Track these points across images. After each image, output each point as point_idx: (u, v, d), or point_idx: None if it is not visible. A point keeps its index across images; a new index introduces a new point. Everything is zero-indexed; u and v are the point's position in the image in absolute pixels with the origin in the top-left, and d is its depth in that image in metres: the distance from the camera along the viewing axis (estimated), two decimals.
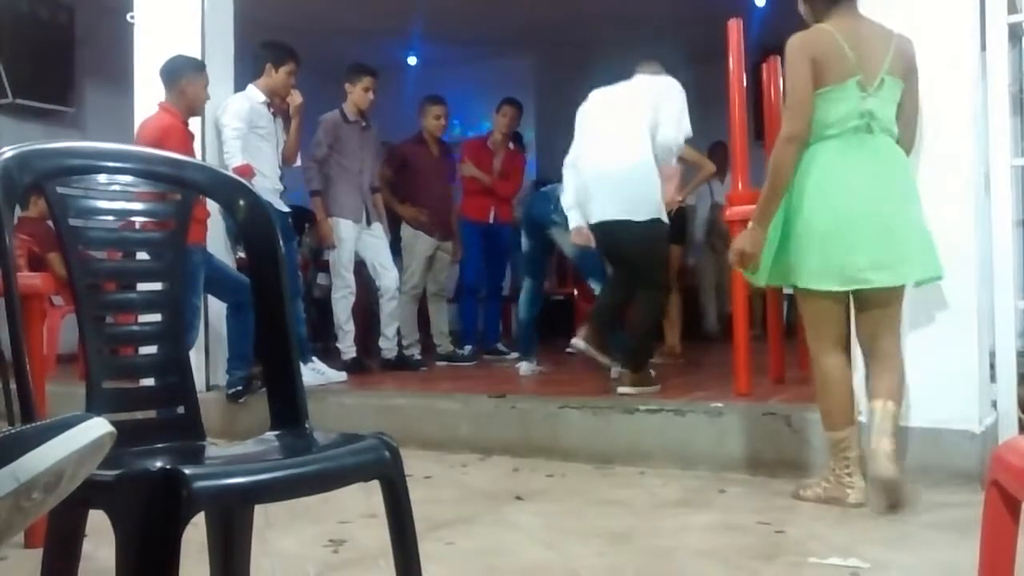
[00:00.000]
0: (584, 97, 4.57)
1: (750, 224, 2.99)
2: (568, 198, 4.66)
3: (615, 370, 4.53)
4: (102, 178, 1.63)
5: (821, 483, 3.04)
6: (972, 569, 1.36)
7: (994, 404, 3.38)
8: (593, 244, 4.58)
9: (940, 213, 3.21)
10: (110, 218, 1.70)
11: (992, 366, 3.40)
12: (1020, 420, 3.38)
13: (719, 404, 3.80)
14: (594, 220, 4.38)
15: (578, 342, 4.43)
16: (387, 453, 1.50)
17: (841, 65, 2.89)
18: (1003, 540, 1.30)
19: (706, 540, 2.68)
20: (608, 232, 4.34)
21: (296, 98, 5.06)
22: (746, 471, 3.50)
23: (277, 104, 5.08)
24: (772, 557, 2.51)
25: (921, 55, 3.11)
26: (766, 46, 4.82)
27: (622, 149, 4.25)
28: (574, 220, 4.62)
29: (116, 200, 1.67)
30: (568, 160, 4.66)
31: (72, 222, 1.59)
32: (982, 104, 3.38)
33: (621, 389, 4.25)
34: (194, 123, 4.84)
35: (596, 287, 5.19)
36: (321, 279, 7.08)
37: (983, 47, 3.40)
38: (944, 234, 3.14)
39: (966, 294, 3.26)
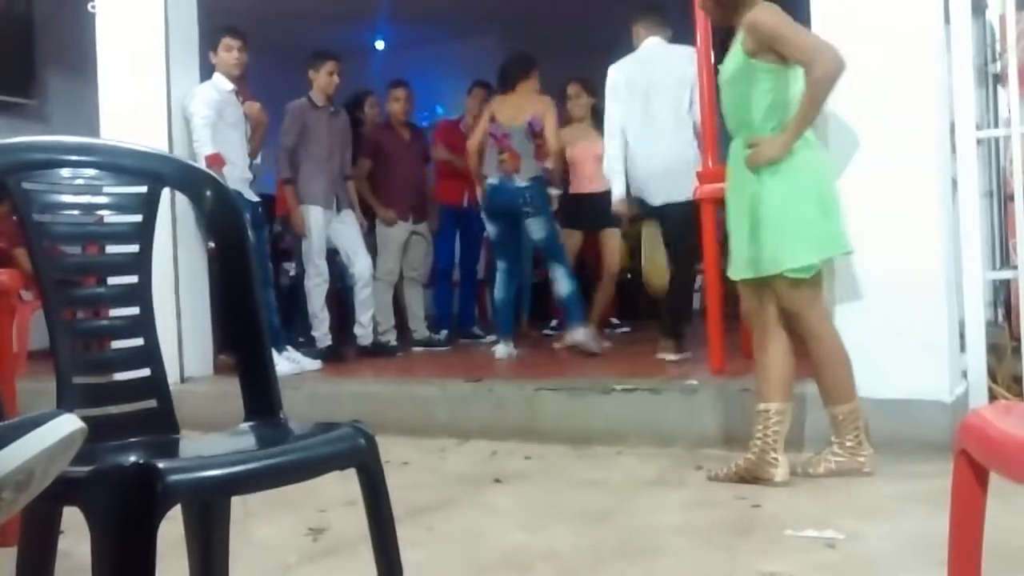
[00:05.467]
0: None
1: (786, 137, 2.90)
2: (616, 164, 4.78)
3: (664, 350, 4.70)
4: (66, 172, 1.61)
5: (830, 458, 3.03)
6: (944, 538, 1.38)
7: (964, 374, 3.43)
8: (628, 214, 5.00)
9: (907, 185, 3.25)
10: (76, 212, 1.67)
11: (962, 336, 3.45)
12: (990, 389, 3.44)
13: (694, 382, 3.83)
14: (657, 203, 4.61)
15: (668, 355, 4.62)
16: (362, 441, 1.50)
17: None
18: (972, 509, 1.33)
19: (683, 517, 2.71)
20: (673, 214, 4.54)
21: (253, 108, 5.08)
22: (722, 447, 3.53)
23: (242, 87, 5.04)
24: (748, 532, 2.54)
25: (886, 28, 3.12)
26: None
27: (674, 133, 4.51)
28: (618, 188, 4.81)
29: (81, 194, 1.65)
30: (613, 127, 4.74)
31: (37, 217, 1.57)
32: (947, 77, 3.41)
33: (669, 357, 4.58)
34: (162, 112, 4.80)
35: (559, 273, 5.19)
36: (287, 267, 7.03)
37: (947, 20, 3.43)
38: (911, 206, 3.17)
39: (934, 265, 3.30)
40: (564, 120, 5.78)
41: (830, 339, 3.02)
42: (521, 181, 5.11)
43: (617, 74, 4.71)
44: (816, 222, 2.96)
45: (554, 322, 6.69)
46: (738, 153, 3.04)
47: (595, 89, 5.63)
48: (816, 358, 3.03)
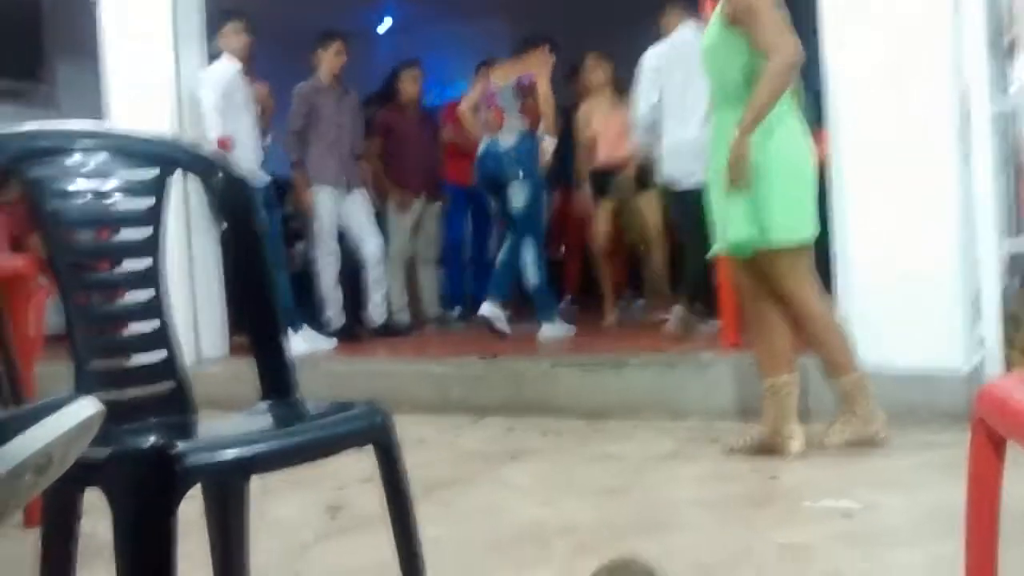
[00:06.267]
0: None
1: (744, 131, 2.85)
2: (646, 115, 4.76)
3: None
4: (76, 158, 1.62)
5: (844, 428, 3.00)
6: (960, 508, 1.38)
7: (981, 343, 3.41)
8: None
9: (921, 156, 3.23)
10: (87, 197, 1.68)
11: (978, 306, 3.43)
12: (1008, 358, 3.42)
13: (709, 355, 3.82)
14: (686, 185, 4.42)
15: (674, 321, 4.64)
16: (379, 419, 1.51)
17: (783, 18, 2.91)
18: (989, 478, 1.32)
19: (699, 490, 2.72)
20: (699, 196, 4.41)
21: (261, 91, 5.09)
22: (737, 420, 3.53)
23: (249, 70, 5.04)
24: (765, 504, 2.55)
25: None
26: None
27: (701, 118, 4.31)
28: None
29: (92, 179, 1.65)
30: (644, 111, 4.73)
31: (48, 203, 1.57)
32: (958, 47, 3.37)
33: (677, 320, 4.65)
34: (170, 96, 4.80)
35: (527, 254, 4.99)
36: (298, 248, 7.04)
37: None
38: (925, 177, 3.15)
39: (949, 235, 3.28)
40: (583, 93, 5.74)
41: (823, 315, 3.01)
42: (506, 143, 4.95)
43: (653, 60, 4.71)
44: (813, 191, 2.95)
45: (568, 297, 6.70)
46: (723, 125, 2.98)
47: (613, 60, 5.54)
48: (812, 335, 3.02)
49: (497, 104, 5.00)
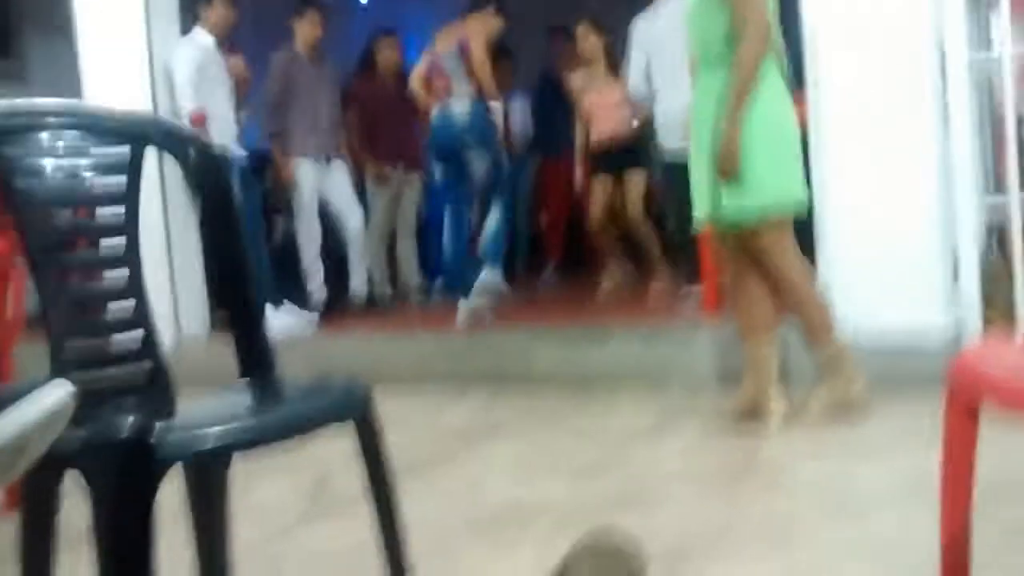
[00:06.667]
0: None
1: (731, 122, 2.85)
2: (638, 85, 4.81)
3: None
4: (47, 135, 1.59)
5: (825, 395, 3.01)
6: (937, 475, 1.40)
7: (961, 304, 3.43)
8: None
9: (898, 113, 3.23)
10: (59, 176, 1.65)
11: (956, 267, 3.44)
12: (987, 316, 3.43)
13: (691, 324, 3.84)
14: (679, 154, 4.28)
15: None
16: (359, 396, 1.51)
17: None
18: (964, 446, 1.34)
19: (682, 463, 2.73)
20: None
21: (237, 64, 5.02)
22: (719, 388, 3.55)
23: (225, 43, 4.98)
24: (746, 475, 2.57)
25: None
26: None
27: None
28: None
29: (64, 157, 1.63)
30: (636, 79, 4.79)
31: (19, 182, 1.55)
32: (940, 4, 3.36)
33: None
34: (144, 71, 4.74)
35: (495, 211, 4.86)
36: (278, 222, 6.99)
37: None
38: (902, 135, 3.15)
39: (928, 195, 3.29)
40: (576, 63, 5.67)
41: (805, 284, 3.02)
42: (459, 111, 4.76)
43: (642, 28, 4.72)
44: (799, 159, 2.96)
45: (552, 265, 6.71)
46: (705, 88, 2.97)
47: (607, 28, 5.40)
48: (794, 304, 3.03)
49: (443, 72, 4.82)
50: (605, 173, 5.41)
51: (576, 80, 5.50)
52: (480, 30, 4.79)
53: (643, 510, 2.33)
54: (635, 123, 5.27)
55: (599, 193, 5.40)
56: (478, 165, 4.81)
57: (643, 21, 4.78)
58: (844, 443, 2.78)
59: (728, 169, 2.87)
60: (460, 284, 4.89)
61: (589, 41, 5.39)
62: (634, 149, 5.26)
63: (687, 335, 3.75)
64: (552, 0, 5.83)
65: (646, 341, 3.79)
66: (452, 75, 4.78)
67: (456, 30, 4.90)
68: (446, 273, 5.11)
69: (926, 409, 2.89)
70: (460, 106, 4.77)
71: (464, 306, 4.71)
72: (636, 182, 5.35)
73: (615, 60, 5.30)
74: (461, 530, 2.30)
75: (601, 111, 5.38)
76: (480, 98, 4.82)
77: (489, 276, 4.81)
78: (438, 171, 5.08)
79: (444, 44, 4.88)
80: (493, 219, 4.88)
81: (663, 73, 4.61)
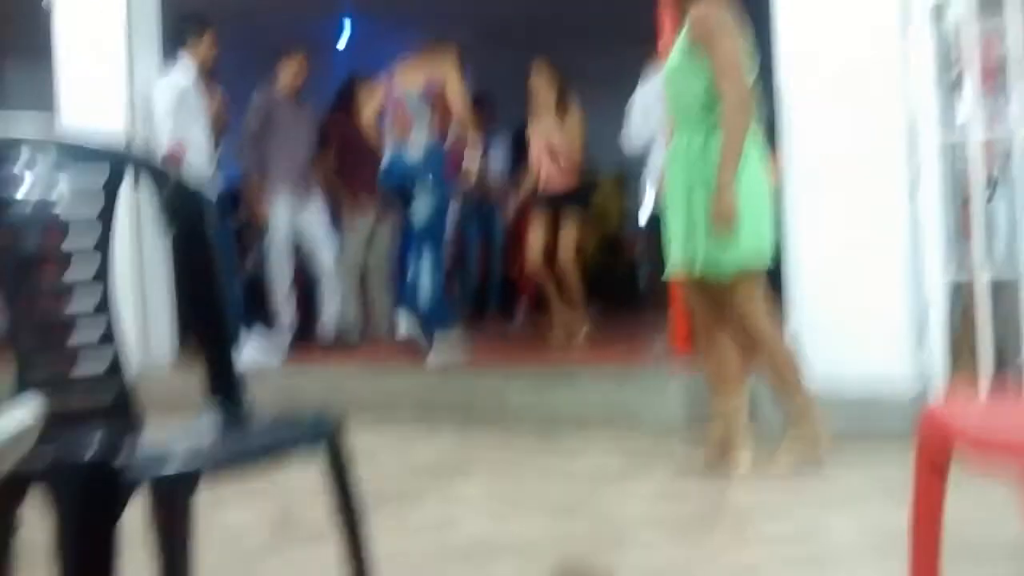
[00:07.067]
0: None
1: (725, 187, 2.85)
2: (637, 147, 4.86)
3: None
4: (23, 160, 1.58)
5: (792, 448, 3.01)
6: (905, 528, 1.40)
7: (926, 367, 3.48)
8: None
9: (868, 187, 3.30)
10: (33, 201, 1.64)
11: (923, 332, 3.49)
12: (950, 380, 3.47)
13: (660, 369, 3.85)
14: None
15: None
16: (329, 429, 1.49)
17: (742, 44, 2.96)
18: (932, 501, 1.35)
19: (649, 508, 2.72)
20: None
21: (214, 100, 5.02)
22: (688, 431, 3.54)
23: (206, 77, 4.99)
24: (714, 524, 2.56)
25: (845, 34, 3.17)
26: None
27: None
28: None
29: (39, 183, 1.61)
30: (635, 115, 4.84)
31: None
32: (905, 83, 3.45)
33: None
34: (123, 100, 4.74)
35: (423, 270, 4.68)
36: (249, 257, 6.95)
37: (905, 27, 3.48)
38: (873, 207, 3.21)
39: (896, 263, 3.35)
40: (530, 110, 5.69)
41: (774, 338, 3.05)
42: (414, 155, 4.61)
43: (640, 100, 4.81)
44: (772, 216, 3.00)
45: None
46: (681, 148, 3.01)
47: (561, 73, 5.30)
48: (764, 356, 3.05)
49: (406, 112, 4.62)
50: (544, 217, 5.36)
51: (531, 125, 5.44)
52: (453, 70, 4.63)
53: (610, 554, 2.31)
54: (582, 169, 5.29)
55: (536, 237, 5.35)
56: (419, 212, 4.65)
57: (642, 93, 4.83)
58: (810, 496, 2.78)
59: (723, 230, 2.87)
60: (427, 329, 4.70)
61: (541, 84, 5.29)
62: (574, 195, 5.25)
63: (656, 379, 3.75)
64: (534, 40, 5.88)
65: (615, 384, 3.80)
66: (415, 115, 4.62)
67: (422, 67, 4.69)
68: (421, 317, 4.84)
69: (892, 460, 2.94)
70: (416, 152, 4.62)
71: (433, 357, 4.59)
72: (571, 228, 5.29)
73: (566, 104, 5.28)
74: (430, 565, 2.27)
75: (548, 156, 5.31)
76: (438, 143, 4.71)
77: (447, 342, 4.63)
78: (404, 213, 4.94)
79: (409, 81, 4.67)
80: (424, 276, 4.66)
81: (660, 136, 4.60)
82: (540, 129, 5.37)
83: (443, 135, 4.79)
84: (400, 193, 4.75)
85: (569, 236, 5.30)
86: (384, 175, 4.77)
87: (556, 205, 5.32)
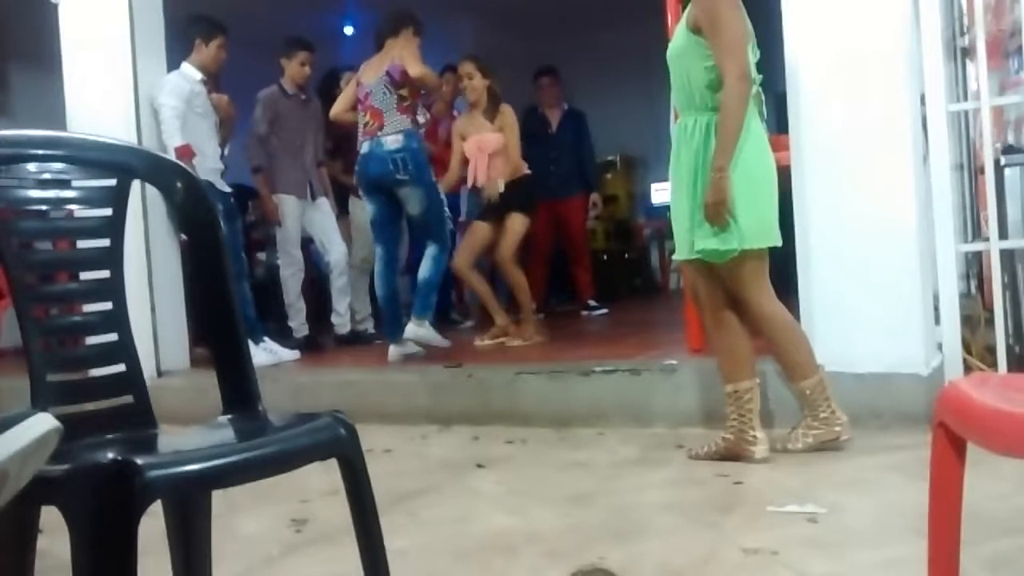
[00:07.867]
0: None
1: (718, 171, 2.85)
2: None
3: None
4: (32, 166, 1.58)
5: (807, 431, 3.03)
6: (923, 508, 1.40)
7: (939, 346, 3.47)
8: None
9: (879, 159, 3.27)
10: (44, 207, 1.65)
11: (936, 308, 3.48)
12: (965, 361, 3.47)
13: (673, 361, 3.84)
14: None
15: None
16: (343, 430, 1.49)
17: (746, 25, 2.93)
18: (951, 479, 1.34)
19: (666, 496, 2.72)
20: None
21: (222, 100, 5.02)
22: (703, 425, 3.54)
23: (211, 80, 5.00)
24: (731, 509, 2.56)
25: (854, 4, 3.14)
26: None
27: None
28: None
29: (49, 189, 1.62)
30: None
31: (3, 213, 1.54)
32: (916, 50, 3.42)
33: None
34: (129, 104, 4.75)
35: (430, 253, 4.66)
36: (260, 257, 6.99)
37: None
38: (883, 180, 3.19)
39: (907, 239, 3.33)
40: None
41: (781, 318, 3.03)
42: (391, 143, 4.55)
43: None
44: (775, 197, 2.98)
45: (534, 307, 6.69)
46: (686, 130, 2.99)
47: (492, 70, 5.17)
48: (771, 338, 3.04)
49: (372, 105, 4.60)
50: (482, 217, 5.22)
51: (457, 125, 5.33)
52: (409, 50, 4.61)
53: (628, 542, 2.31)
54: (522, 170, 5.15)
55: (471, 236, 5.24)
56: (413, 203, 4.62)
57: None
58: (827, 478, 2.77)
59: (716, 217, 2.87)
60: (388, 329, 4.77)
61: (473, 82, 5.16)
62: (514, 195, 5.11)
63: (670, 372, 3.74)
64: (538, 41, 5.85)
65: (629, 378, 3.79)
66: (383, 108, 4.59)
67: (380, 60, 4.69)
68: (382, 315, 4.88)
69: (909, 438, 2.93)
70: (394, 140, 4.56)
71: (395, 349, 4.64)
72: (512, 226, 5.15)
73: (497, 103, 5.13)
74: (447, 560, 2.27)
75: (479, 156, 5.15)
76: (413, 128, 4.66)
77: (419, 331, 4.61)
78: (369, 208, 4.80)
79: (370, 76, 4.68)
80: (425, 267, 4.66)
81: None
82: (474, 129, 5.21)
83: (414, 122, 4.68)
84: (377, 185, 4.66)
85: (512, 234, 5.15)
86: (361, 167, 4.70)
87: (499, 205, 5.13)
